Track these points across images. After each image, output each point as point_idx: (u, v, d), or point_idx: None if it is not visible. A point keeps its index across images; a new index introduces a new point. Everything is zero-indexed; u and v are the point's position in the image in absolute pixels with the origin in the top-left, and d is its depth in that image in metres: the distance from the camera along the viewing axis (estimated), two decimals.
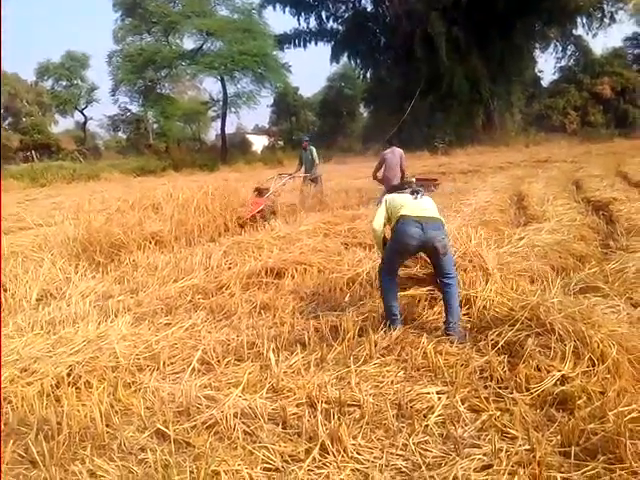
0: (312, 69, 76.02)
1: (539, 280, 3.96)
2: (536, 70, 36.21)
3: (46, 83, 40.59)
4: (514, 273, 4.01)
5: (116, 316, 3.92)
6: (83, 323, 3.75)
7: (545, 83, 38.49)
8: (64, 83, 40.14)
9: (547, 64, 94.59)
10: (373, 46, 34.18)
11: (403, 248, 3.42)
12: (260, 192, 8.75)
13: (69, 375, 3.02)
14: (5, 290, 4.72)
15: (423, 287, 3.78)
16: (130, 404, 2.69)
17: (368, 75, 36.45)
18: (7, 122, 39.90)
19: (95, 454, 2.29)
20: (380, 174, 8.49)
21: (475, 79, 29.63)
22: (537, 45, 34.05)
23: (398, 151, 8.48)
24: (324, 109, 41.86)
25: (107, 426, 2.48)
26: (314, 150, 10.14)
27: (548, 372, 2.64)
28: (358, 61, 35.72)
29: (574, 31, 33.65)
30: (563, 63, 36.95)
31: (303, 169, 10.22)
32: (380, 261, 3.70)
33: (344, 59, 35.98)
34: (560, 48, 35.71)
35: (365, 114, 41.93)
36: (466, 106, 30.24)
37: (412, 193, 3.56)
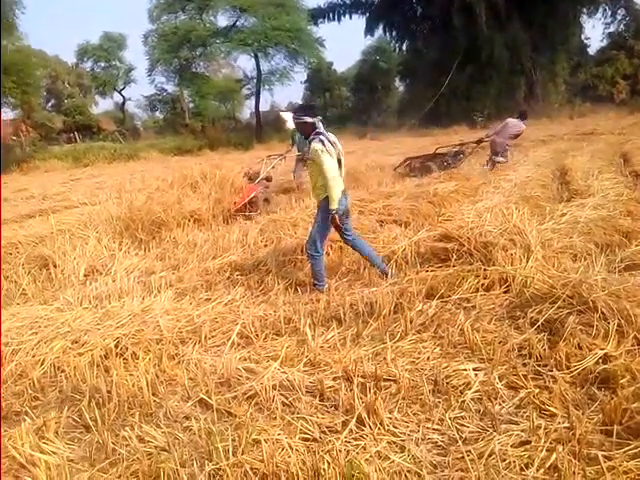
0: (346, 43, 74.44)
1: (582, 257, 3.85)
2: (582, 37, 34.27)
3: (86, 65, 41.63)
4: (556, 250, 3.90)
5: (159, 291, 4.07)
6: (128, 298, 3.92)
7: (592, 51, 36.45)
8: (103, 64, 41.04)
9: (594, 30, 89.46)
10: (409, 17, 33.13)
11: (343, 213, 3.96)
12: (250, 178, 7.84)
13: (117, 347, 3.18)
14: (55, 266, 4.96)
15: None
16: (174, 375, 2.81)
17: (404, 47, 35.49)
18: (50, 104, 41.12)
19: (143, 421, 2.42)
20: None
21: (516, 48, 28.34)
22: (584, 10, 31.98)
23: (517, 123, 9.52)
24: (358, 84, 41.08)
25: (153, 395, 2.61)
26: None
27: (590, 350, 2.59)
28: (393, 33, 34.77)
29: None
30: (612, 29, 34.76)
31: (295, 149, 9.48)
32: (313, 242, 4.00)
33: (379, 31, 35.15)
34: (609, 12, 33.46)
35: (400, 88, 40.95)
36: (506, 77, 29.07)
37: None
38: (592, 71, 33.98)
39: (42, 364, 3.04)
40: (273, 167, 8.14)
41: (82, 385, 2.75)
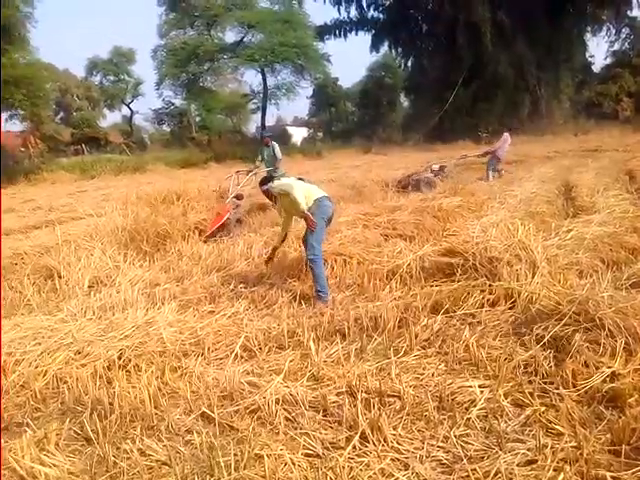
0: (352, 59, 75.28)
1: (588, 274, 3.82)
2: (587, 55, 34.57)
3: (95, 78, 42.27)
4: (562, 266, 3.89)
5: (163, 303, 4.06)
6: (132, 309, 3.91)
7: (596, 68, 36.73)
8: (112, 78, 41.67)
9: (599, 48, 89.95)
10: (414, 34, 33.55)
11: (328, 219, 4.27)
12: (222, 197, 7.65)
13: (120, 358, 3.17)
14: (60, 277, 4.97)
15: None
16: (177, 388, 2.80)
17: (409, 64, 35.91)
18: (59, 117, 41.69)
19: (145, 434, 2.40)
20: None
21: (521, 66, 28.60)
22: (588, 28, 32.38)
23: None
24: (364, 99, 41.49)
25: (155, 408, 2.59)
26: (277, 146, 9.34)
27: (597, 368, 2.55)
28: (399, 50, 35.24)
29: (629, 12, 31.81)
30: (616, 47, 35.10)
31: (264, 165, 9.27)
32: (311, 246, 4.09)
33: (384, 48, 35.60)
34: (613, 31, 33.86)
35: (405, 104, 41.32)
36: (511, 94, 29.26)
37: (299, 179, 4.42)
38: (596, 88, 34.20)
39: (44, 375, 3.03)
40: (238, 184, 7.77)
41: (84, 397, 2.73)
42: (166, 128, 43.45)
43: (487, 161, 11.74)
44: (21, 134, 30.12)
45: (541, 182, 9.15)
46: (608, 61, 35.89)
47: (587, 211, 6.35)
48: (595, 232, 4.80)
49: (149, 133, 47.73)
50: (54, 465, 2.21)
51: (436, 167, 10.79)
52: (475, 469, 1.93)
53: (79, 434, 2.49)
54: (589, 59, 35.47)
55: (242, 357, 3.17)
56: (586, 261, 4.11)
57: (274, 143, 9.38)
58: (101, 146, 37.10)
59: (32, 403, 2.83)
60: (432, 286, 3.97)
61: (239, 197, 7.54)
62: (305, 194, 4.14)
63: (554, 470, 1.88)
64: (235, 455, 2.05)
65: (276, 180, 4.09)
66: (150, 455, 2.22)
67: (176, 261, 5.57)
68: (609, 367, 2.53)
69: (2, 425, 2.59)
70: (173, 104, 38.94)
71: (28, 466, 2.17)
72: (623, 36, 34.36)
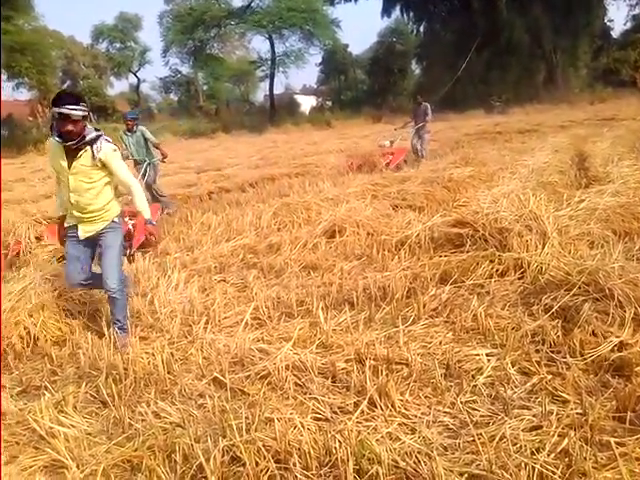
0: (363, 24, 73.25)
1: (599, 244, 3.79)
2: (606, 20, 33.32)
3: (101, 46, 41.64)
4: (572, 237, 3.86)
5: (172, 272, 4.11)
6: (144, 278, 3.97)
7: (615, 34, 35.41)
8: (118, 45, 41.01)
9: (618, 12, 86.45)
10: None
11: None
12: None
13: (136, 326, 3.24)
14: None
15: None
16: (189, 354, 2.86)
17: (421, 29, 34.93)
18: (66, 85, 41.28)
19: (158, 397, 2.47)
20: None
21: (537, 32, 27.70)
22: None
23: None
24: (374, 67, 40.44)
25: (168, 373, 2.66)
26: (146, 131, 7.12)
27: (605, 338, 2.56)
28: (411, 14, 34.19)
29: None
30: (637, 11, 33.73)
31: (132, 153, 6.97)
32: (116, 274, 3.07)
33: (396, 13, 34.55)
34: None
35: (417, 71, 40.33)
36: (526, 61, 28.45)
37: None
38: (615, 55, 33.04)
39: (64, 342, 3.13)
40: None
41: (99, 362, 2.81)
42: (173, 97, 43.06)
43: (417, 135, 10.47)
44: (29, 103, 29.99)
45: (554, 152, 8.98)
46: (628, 26, 34.58)
47: (600, 181, 6.25)
48: (607, 203, 4.73)
49: (156, 102, 47.34)
50: (72, 426, 2.29)
51: (387, 143, 9.93)
52: (481, 434, 1.97)
53: (95, 397, 2.58)
54: (608, 24, 34.26)
55: (252, 325, 3.22)
56: (597, 232, 4.07)
57: (142, 128, 7.16)
58: (108, 115, 36.86)
59: (49, 367, 2.92)
60: (441, 257, 3.97)
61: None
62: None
63: (559, 436, 1.91)
64: (246, 418, 2.10)
65: (110, 144, 2.93)
66: (164, 417, 2.29)
67: (186, 231, 5.61)
68: (617, 337, 2.53)
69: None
70: (180, 72, 38.52)
71: (47, 426, 2.26)
72: None
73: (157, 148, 7.13)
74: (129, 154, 6.79)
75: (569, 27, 28.50)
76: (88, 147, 2.88)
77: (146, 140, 7.02)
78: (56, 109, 2.76)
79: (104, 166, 2.95)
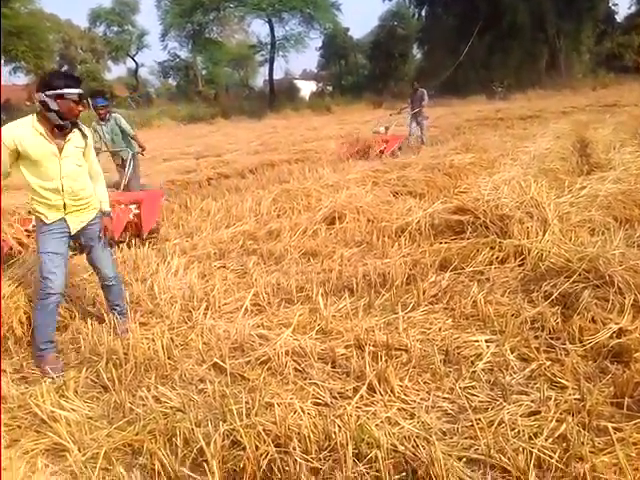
0: (363, 8, 72.19)
1: (600, 231, 3.78)
2: (610, 3, 32.82)
3: (98, 29, 41.10)
4: (573, 224, 3.85)
5: (172, 258, 4.11)
6: (143, 264, 3.97)
7: (620, 18, 34.92)
8: (115, 29, 40.48)
9: None
10: None
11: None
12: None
13: (135, 312, 3.25)
14: None
15: None
16: (189, 339, 2.87)
17: (423, 13, 34.46)
18: (63, 69, 40.86)
19: (159, 382, 2.48)
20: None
21: (540, 15, 27.30)
22: None
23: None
24: (375, 51, 39.99)
25: (169, 358, 2.67)
26: (121, 118, 6.64)
27: (604, 324, 2.57)
28: None
29: None
30: None
31: (103, 145, 6.50)
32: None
33: None
34: None
35: (418, 56, 39.90)
36: (528, 46, 28.14)
37: None
38: (618, 40, 32.66)
39: (66, 328, 3.14)
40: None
41: (99, 347, 2.82)
42: (172, 81, 42.66)
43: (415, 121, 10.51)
44: (26, 87, 29.71)
45: (556, 138, 8.93)
46: (632, 10, 34.09)
47: (602, 168, 6.22)
48: (609, 189, 4.72)
49: (154, 87, 46.90)
50: (73, 410, 2.30)
51: (381, 129, 9.81)
52: (479, 419, 1.98)
53: (96, 382, 2.59)
54: (612, 8, 33.77)
55: (252, 311, 3.22)
56: (598, 219, 4.06)
57: (116, 115, 6.70)
58: (107, 100, 36.56)
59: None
60: (441, 243, 3.97)
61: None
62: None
63: (557, 421, 1.93)
64: (247, 403, 2.11)
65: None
66: (165, 402, 2.30)
67: (185, 217, 5.59)
68: (616, 323, 2.54)
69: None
70: (179, 56, 38.12)
71: (49, 410, 2.27)
72: None
73: (133, 139, 6.66)
74: (102, 145, 6.30)
75: (572, 10, 28.11)
76: (75, 129, 2.76)
77: (122, 128, 6.54)
78: (74, 90, 2.62)
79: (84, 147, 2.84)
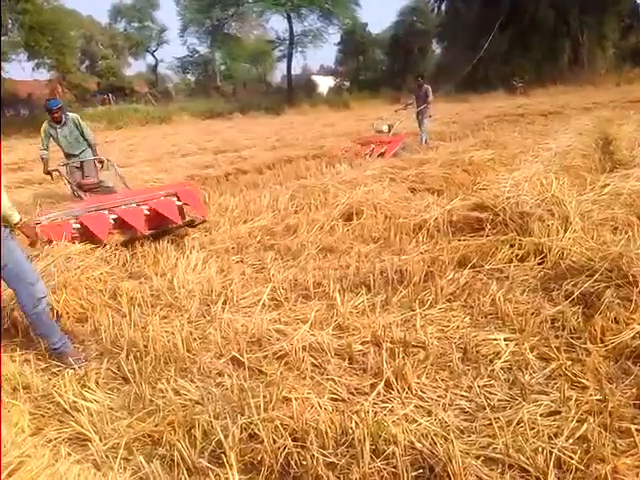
0: (382, 3, 71.53)
1: (623, 230, 3.70)
2: None
3: (119, 25, 41.60)
4: (595, 222, 3.78)
5: (191, 252, 4.15)
6: (163, 258, 4.02)
7: None
8: (136, 25, 40.92)
9: None
10: None
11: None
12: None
13: (152, 306, 3.29)
14: None
15: None
16: (207, 333, 2.90)
17: (443, 7, 34.01)
18: (84, 65, 41.43)
19: (178, 375, 2.51)
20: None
21: (563, 9, 26.72)
22: None
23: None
24: (394, 46, 39.57)
25: (188, 351, 2.71)
26: (79, 119, 6.10)
27: (627, 325, 2.52)
28: None
29: None
30: None
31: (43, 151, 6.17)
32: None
33: None
34: None
35: (437, 51, 39.44)
36: (550, 40, 27.54)
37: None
38: None
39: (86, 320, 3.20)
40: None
41: (120, 339, 2.87)
42: (190, 77, 42.96)
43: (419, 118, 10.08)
44: (49, 83, 30.23)
45: (578, 135, 8.76)
46: None
47: (626, 165, 6.08)
48: (633, 187, 4.61)
49: (174, 82, 47.28)
50: (95, 400, 2.36)
51: (384, 128, 9.22)
52: (498, 418, 1.97)
53: (116, 374, 2.64)
54: (637, 1, 32.87)
55: (269, 306, 3.24)
56: (621, 217, 3.97)
57: (73, 115, 6.13)
58: (127, 96, 36.99)
59: (72, 344, 2.99)
60: (460, 240, 3.93)
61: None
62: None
63: (577, 421, 1.90)
64: (264, 397, 2.13)
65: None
66: (184, 394, 2.34)
67: None
68: (639, 324, 2.49)
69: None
70: (197, 52, 38.36)
71: (71, 400, 2.32)
72: None
73: (91, 148, 6.09)
74: (47, 154, 5.91)
75: (596, 4, 27.40)
76: None
77: (82, 131, 5.99)
78: None
79: None
